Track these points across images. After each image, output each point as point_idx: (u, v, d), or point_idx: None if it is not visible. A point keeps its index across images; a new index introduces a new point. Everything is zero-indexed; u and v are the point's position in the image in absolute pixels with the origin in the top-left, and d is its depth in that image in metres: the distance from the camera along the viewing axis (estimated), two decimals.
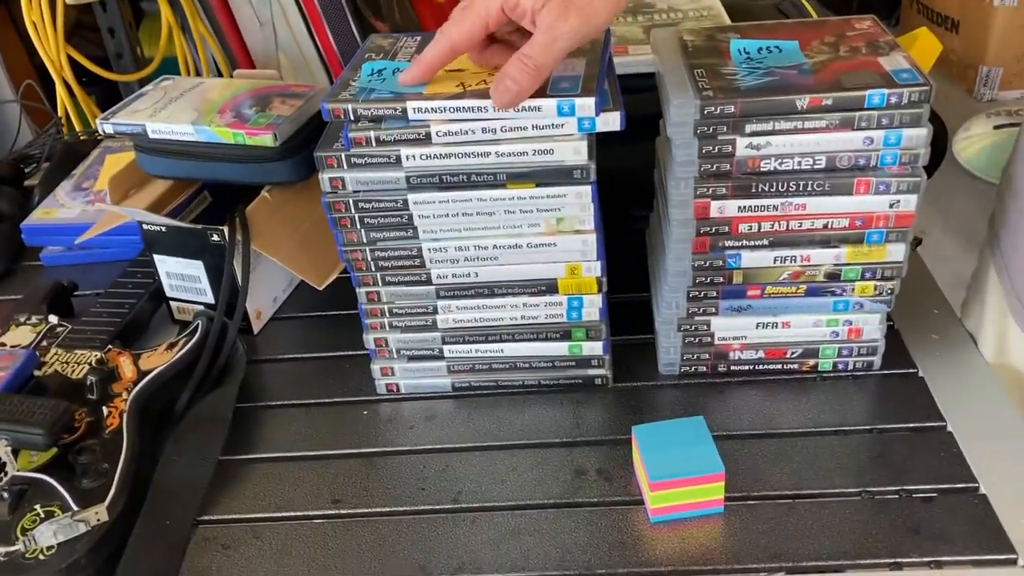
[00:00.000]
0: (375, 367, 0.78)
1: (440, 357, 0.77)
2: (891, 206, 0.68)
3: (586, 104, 0.64)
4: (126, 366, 0.77)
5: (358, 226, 0.70)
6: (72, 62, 1.34)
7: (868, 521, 0.64)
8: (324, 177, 0.68)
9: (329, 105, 0.66)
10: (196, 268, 0.84)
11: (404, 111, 0.65)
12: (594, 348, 0.75)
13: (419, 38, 0.75)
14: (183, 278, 0.86)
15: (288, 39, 1.48)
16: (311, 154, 0.70)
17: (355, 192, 0.69)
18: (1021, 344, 0.80)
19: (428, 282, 0.73)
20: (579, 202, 0.68)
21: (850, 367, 0.76)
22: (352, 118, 0.66)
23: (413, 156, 0.67)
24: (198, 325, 0.80)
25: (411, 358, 0.77)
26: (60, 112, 1.37)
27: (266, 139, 0.80)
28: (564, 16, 0.61)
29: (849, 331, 0.74)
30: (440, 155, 0.66)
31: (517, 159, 0.66)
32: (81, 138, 1.25)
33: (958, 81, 2.73)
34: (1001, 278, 0.82)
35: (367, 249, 0.71)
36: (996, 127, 2.31)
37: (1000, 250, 0.83)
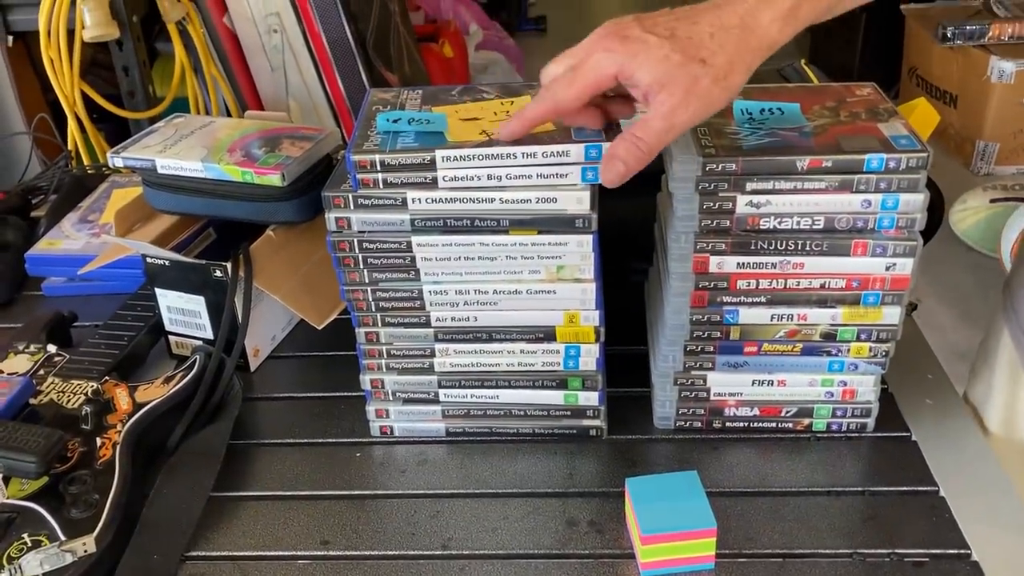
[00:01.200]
0: (370, 409, 0.78)
1: (435, 401, 0.77)
2: (887, 269, 0.68)
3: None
4: (122, 398, 0.77)
5: (361, 266, 0.71)
6: (85, 98, 1.36)
7: None
8: (331, 216, 0.69)
9: (355, 157, 0.67)
10: (197, 303, 0.85)
11: (432, 160, 0.66)
12: (590, 398, 0.75)
13: (420, 91, 0.76)
14: (183, 312, 0.86)
15: (298, 84, 1.50)
16: (317, 195, 0.71)
17: (360, 232, 0.69)
18: None
19: (427, 324, 0.73)
20: (580, 251, 0.69)
21: (844, 428, 0.76)
22: (379, 168, 0.67)
23: (419, 199, 0.68)
24: (196, 360, 0.80)
25: (406, 401, 0.77)
26: (70, 146, 1.39)
27: (274, 179, 0.81)
28: (685, 104, 0.60)
29: (844, 392, 0.74)
30: (445, 199, 0.67)
31: (521, 206, 0.67)
32: (89, 172, 1.27)
33: (955, 154, 2.77)
34: (1017, 343, 0.82)
35: (369, 289, 0.72)
36: (992, 201, 2.33)
37: (1017, 316, 0.82)
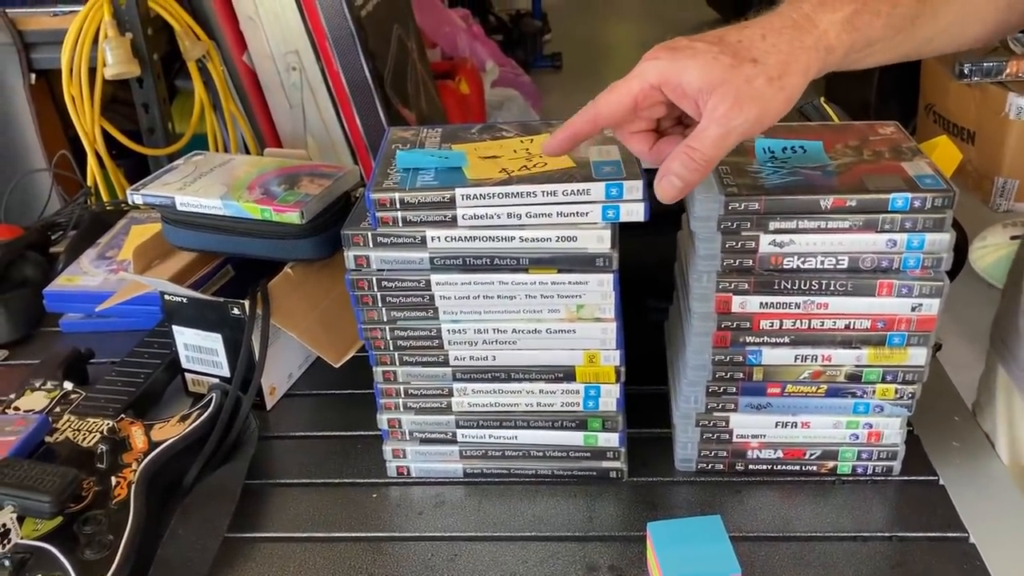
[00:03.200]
0: (387, 448, 0.77)
1: (453, 441, 0.76)
2: (913, 309, 0.67)
3: (634, 186, 0.65)
4: (137, 436, 0.76)
5: (379, 304, 0.70)
6: (105, 134, 1.37)
7: None
8: (350, 255, 0.69)
9: (375, 195, 0.67)
10: (214, 341, 0.84)
11: (452, 199, 0.66)
12: (610, 439, 0.74)
13: (440, 129, 0.77)
14: (200, 350, 0.86)
15: (317, 121, 1.51)
16: (335, 233, 0.70)
17: (378, 270, 0.69)
18: None
19: (445, 363, 0.72)
20: (600, 290, 0.68)
21: (869, 471, 0.75)
22: (399, 206, 0.67)
23: (438, 237, 0.67)
24: (212, 398, 0.80)
25: (424, 441, 0.76)
26: (89, 182, 1.39)
27: (293, 216, 0.81)
28: (739, 106, 0.56)
29: (869, 434, 0.73)
30: (465, 237, 0.67)
31: (541, 245, 0.67)
32: (108, 208, 1.27)
33: (974, 191, 2.76)
34: (1013, 377, 0.81)
35: (387, 328, 0.71)
36: (1013, 237, 2.32)
37: (1011, 353, 0.82)
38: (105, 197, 1.42)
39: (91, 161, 1.38)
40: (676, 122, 0.65)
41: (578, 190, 0.66)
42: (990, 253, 2.33)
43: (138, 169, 1.52)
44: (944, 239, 0.65)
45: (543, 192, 0.66)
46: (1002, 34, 0.71)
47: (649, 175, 0.67)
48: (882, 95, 3.14)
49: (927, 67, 2.92)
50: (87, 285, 1.02)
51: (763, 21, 0.59)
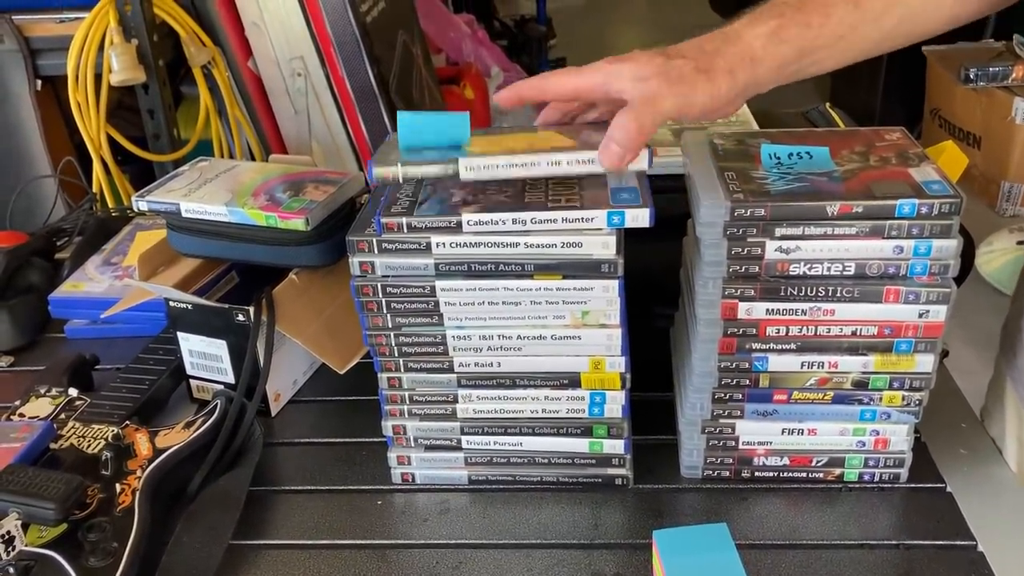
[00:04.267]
0: (391, 455, 0.77)
1: (458, 448, 0.76)
2: (920, 316, 0.67)
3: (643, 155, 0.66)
4: (142, 443, 0.76)
5: (384, 311, 0.70)
6: (110, 140, 1.38)
7: None
8: (355, 261, 0.68)
9: (377, 169, 0.66)
10: (219, 347, 0.84)
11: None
12: (615, 446, 0.74)
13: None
14: (205, 356, 0.86)
15: (321, 127, 1.51)
16: (340, 239, 0.70)
17: (383, 277, 0.69)
18: None
19: (450, 370, 0.72)
20: (606, 296, 0.68)
21: (876, 479, 0.74)
22: (406, 229, 0.67)
23: (443, 243, 0.67)
24: (217, 405, 0.80)
25: (428, 447, 0.76)
26: (95, 188, 1.40)
27: (298, 223, 0.81)
28: (671, 85, 0.63)
29: (876, 441, 0.73)
30: (470, 243, 0.67)
31: (546, 251, 0.67)
32: (113, 214, 1.27)
33: (980, 196, 2.75)
34: (1017, 390, 0.81)
35: (392, 334, 0.71)
36: (1019, 243, 2.31)
37: (1016, 364, 0.81)
38: (110, 203, 1.42)
39: (96, 167, 1.38)
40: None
41: (582, 159, 0.65)
42: (997, 258, 2.32)
43: (143, 175, 1.52)
44: (951, 245, 0.65)
45: (547, 162, 0.65)
46: (961, 21, 0.75)
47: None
48: (887, 100, 3.13)
49: (932, 72, 2.92)
50: (92, 291, 1.02)
51: (699, 36, 0.67)
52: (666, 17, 4.97)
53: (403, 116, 0.69)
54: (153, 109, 1.44)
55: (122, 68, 1.35)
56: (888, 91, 3.11)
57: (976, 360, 2.16)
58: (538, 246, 0.67)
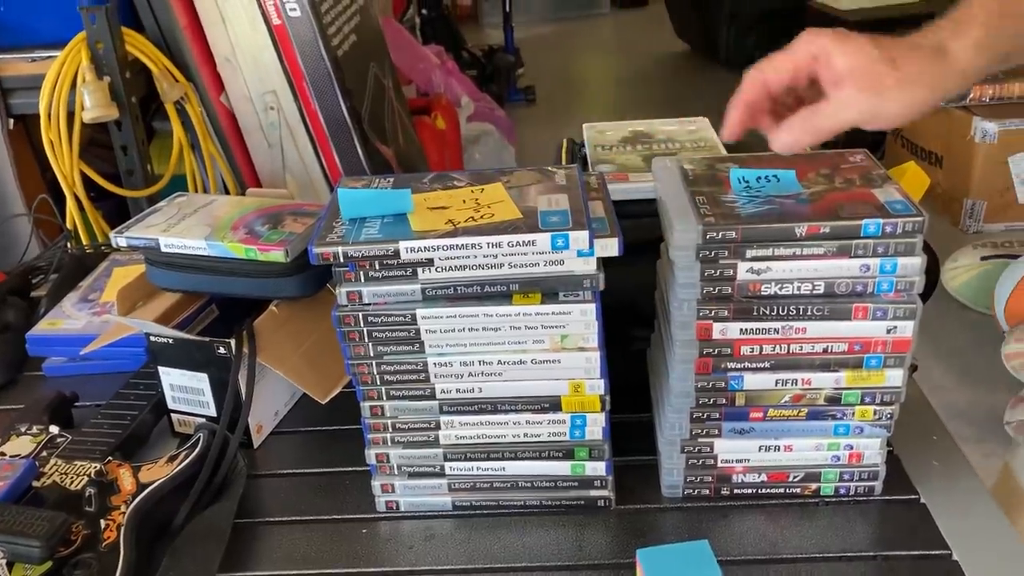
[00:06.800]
0: (375, 483, 0.77)
1: (441, 474, 0.77)
2: (888, 332, 0.69)
3: (580, 237, 0.67)
4: (126, 478, 0.76)
5: (366, 340, 0.71)
6: (83, 177, 1.38)
7: None
8: (342, 291, 0.69)
9: (317, 250, 0.68)
10: (201, 380, 0.85)
11: (396, 252, 0.67)
12: (597, 468, 0.75)
13: (391, 179, 0.77)
14: (187, 390, 0.86)
15: (295, 160, 1.52)
16: (320, 271, 0.71)
17: (365, 305, 0.70)
18: None
19: (432, 397, 0.73)
20: (583, 319, 0.70)
21: (851, 492, 0.76)
22: (342, 261, 0.68)
23: (429, 269, 0.68)
24: (199, 438, 0.80)
25: (412, 475, 0.77)
26: (69, 225, 1.40)
27: (278, 255, 0.82)
28: (863, 94, 0.66)
29: (850, 455, 0.74)
30: (455, 267, 0.68)
31: (529, 270, 0.68)
32: (88, 251, 1.27)
33: (944, 213, 2.81)
34: None
35: (374, 363, 0.72)
36: (983, 258, 2.36)
37: None
38: (85, 240, 1.43)
39: (70, 204, 1.39)
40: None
41: (523, 241, 0.67)
42: (962, 274, 2.37)
43: (117, 211, 1.52)
44: (915, 263, 0.67)
45: (488, 244, 0.67)
46: None
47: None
48: None
49: None
50: (70, 328, 1.02)
51: (910, 39, 0.68)
52: (631, 44, 5.04)
53: (343, 194, 0.71)
54: (127, 145, 1.44)
55: (95, 105, 1.36)
56: None
57: (944, 374, 2.20)
58: (522, 265, 0.68)
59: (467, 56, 4.07)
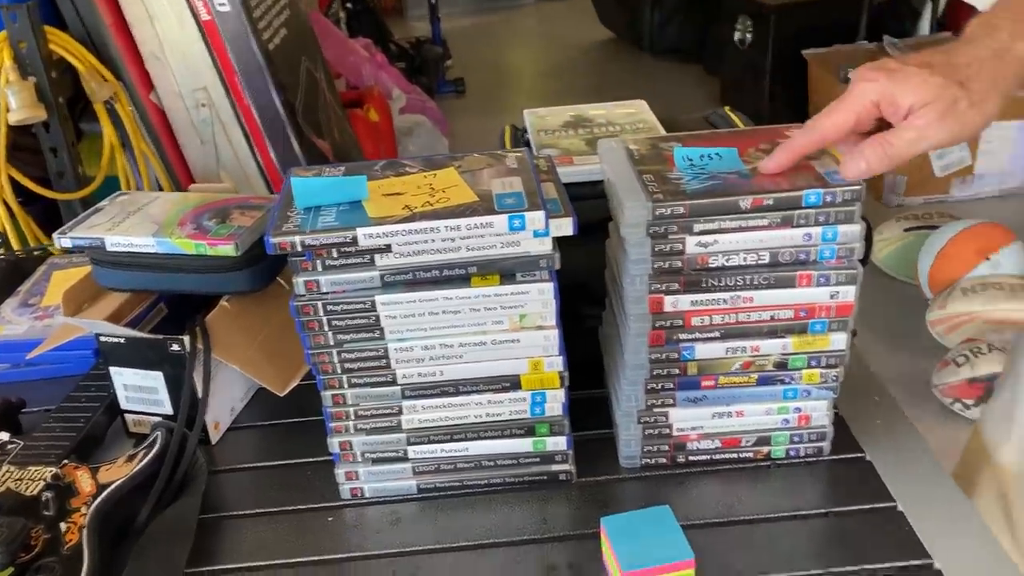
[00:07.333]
0: (339, 472, 0.78)
1: (405, 459, 0.77)
2: (832, 297, 0.72)
3: (536, 217, 0.68)
4: (84, 480, 0.75)
5: (326, 329, 0.72)
6: (11, 181, 1.34)
7: None
8: (299, 280, 0.70)
9: (274, 239, 0.68)
10: (155, 379, 0.84)
11: (354, 239, 0.68)
12: (558, 443, 0.77)
13: (343, 167, 0.78)
14: (141, 390, 0.85)
15: (230, 156, 1.50)
16: (270, 263, 0.71)
17: (323, 294, 0.70)
18: None
19: (394, 382, 0.74)
20: (541, 298, 0.71)
21: (801, 453, 0.79)
22: (299, 250, 0.68)
23: (387, 255, 0.69)
24: (157, 436, 0.79)
25: (376, 461, 0.78)
26: None
27: (228, 249, 0.81)
28: (942, 122, 0.64)
29: (799, 418, 0.77)
30: (412, 252, 0.69)
31: (487, 252, 0.69)
32: (22, 256, 1.24)
33: (868, 188, 2.90)
34: None
35: (334, 352, 0.73)
36: (906, 230, 2.45)
37: None
38: (15, 245, 1.39)
39: (0, 210, 1.35)
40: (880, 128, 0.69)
41: (481, 223, 0.68)
42: (887, 246, 2.45)
43: (48, 215, 1.48)
44: (855, 230, 0.70)
45: (446, 227, 0.68)
46: None
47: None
48: (773, 103, 3.28)
49: (813, 74, 3.07)
50: (12, 334, 0.99)
51: (966, 49, 0.66)
52: (557, 33, 5.07)
53: (298, 182, 0.71)
54: (56, 147, 1.41)
55: (21, 106, 1.32)
56: (773, 95, 3.26)
57: (875, 343, 2.28)
58: (479, 248, 0.69)
59: (395, 49, 4.05)
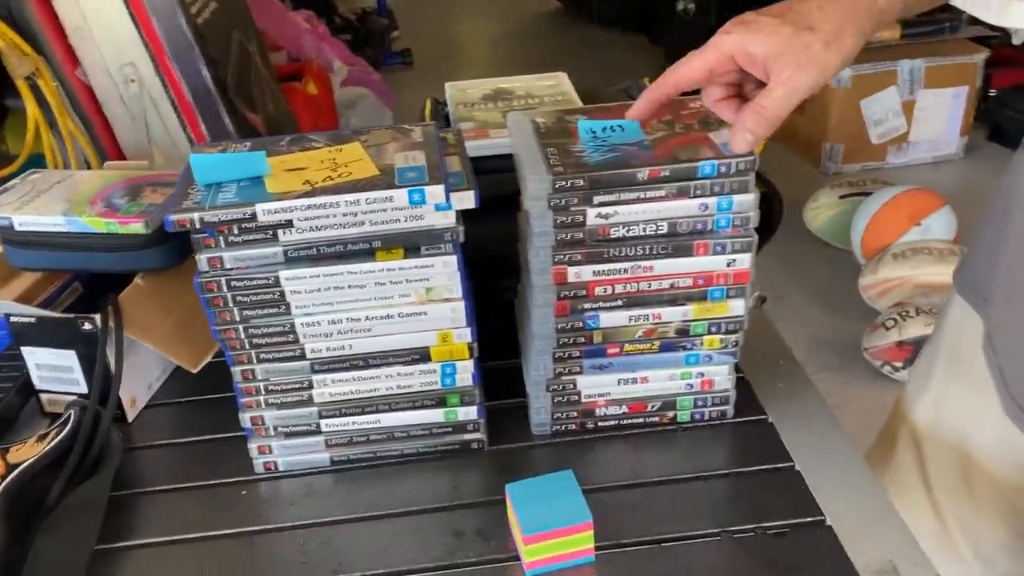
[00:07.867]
0: (252, 446, 0.79)
1: (317, 432, 0.79)
2: (728, 265, 0.74)
3: (436, 191, 0.69)
4: None
5: (231, 305, 0.72)
6: None
7: (728, 558, 0.68)
8: (202, 257, 0.70)
9: (174, 217, 0.68)
10: (68, 358, 0.84)
11: (253, 215, 0.68)
12: (469, 413, 0.78)
13: (248, 143, 0.78)
14: (55, 369, 0.85)
15: (161, 132, 1.49)
16: (182, 240, 0.71)
17: (227, 270, 0.71)
18: (957, 409, 0.86)
19: (302, 357, 0.75)
20: (446, 271, 0.72)
21: (706, 417, 0.81)
22: (199, 227, 0.68)
23: (289, 230, 0.69)
24: (70, 415, 0.79)
25: (288, 435, 0.79)
26: None
27: (138, 227, 0.81)
28: (800, 68, 0.65)
29: (702, 383, 0.80)
30: (315, 227, 0.70)
31: (391, 226, 0.70)
32: None
33: (805, 156, 2.94)
34: (993, 374, 0.80)
35: (240, 328, 0.73)
36: (841, 197, 2.49)
37: (994, 348, 0.80)
38: None
39: None
40: (758, 86, 0.70)
41: (381, 197, 0.69)
42: (822, 213, 2.50)
43: None
44: (749, 199, 0.72)
45: (346, 202, 0.69)
46: None
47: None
48: None
49: None
50: None
51: None
52: (505, 3, 5.04)
53: (196, 159, 0.71)
54: None
55: None
56: None
57: (809, 307, 2.32)
58: (383, 223, 0.70)
59: (339, 21, 4.00)
